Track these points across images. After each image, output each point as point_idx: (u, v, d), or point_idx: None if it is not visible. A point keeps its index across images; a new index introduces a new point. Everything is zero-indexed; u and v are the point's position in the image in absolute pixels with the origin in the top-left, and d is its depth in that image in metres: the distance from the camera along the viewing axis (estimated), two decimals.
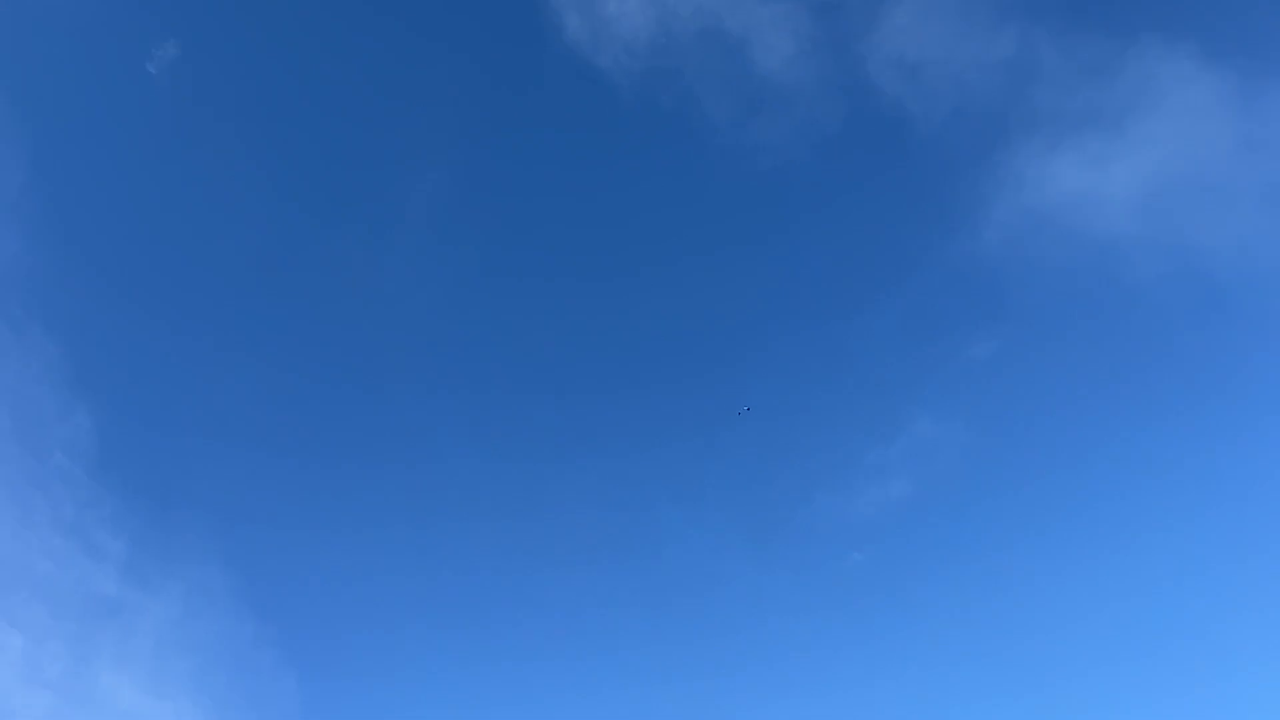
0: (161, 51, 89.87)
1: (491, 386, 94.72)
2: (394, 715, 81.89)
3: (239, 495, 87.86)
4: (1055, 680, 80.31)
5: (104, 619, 79.38)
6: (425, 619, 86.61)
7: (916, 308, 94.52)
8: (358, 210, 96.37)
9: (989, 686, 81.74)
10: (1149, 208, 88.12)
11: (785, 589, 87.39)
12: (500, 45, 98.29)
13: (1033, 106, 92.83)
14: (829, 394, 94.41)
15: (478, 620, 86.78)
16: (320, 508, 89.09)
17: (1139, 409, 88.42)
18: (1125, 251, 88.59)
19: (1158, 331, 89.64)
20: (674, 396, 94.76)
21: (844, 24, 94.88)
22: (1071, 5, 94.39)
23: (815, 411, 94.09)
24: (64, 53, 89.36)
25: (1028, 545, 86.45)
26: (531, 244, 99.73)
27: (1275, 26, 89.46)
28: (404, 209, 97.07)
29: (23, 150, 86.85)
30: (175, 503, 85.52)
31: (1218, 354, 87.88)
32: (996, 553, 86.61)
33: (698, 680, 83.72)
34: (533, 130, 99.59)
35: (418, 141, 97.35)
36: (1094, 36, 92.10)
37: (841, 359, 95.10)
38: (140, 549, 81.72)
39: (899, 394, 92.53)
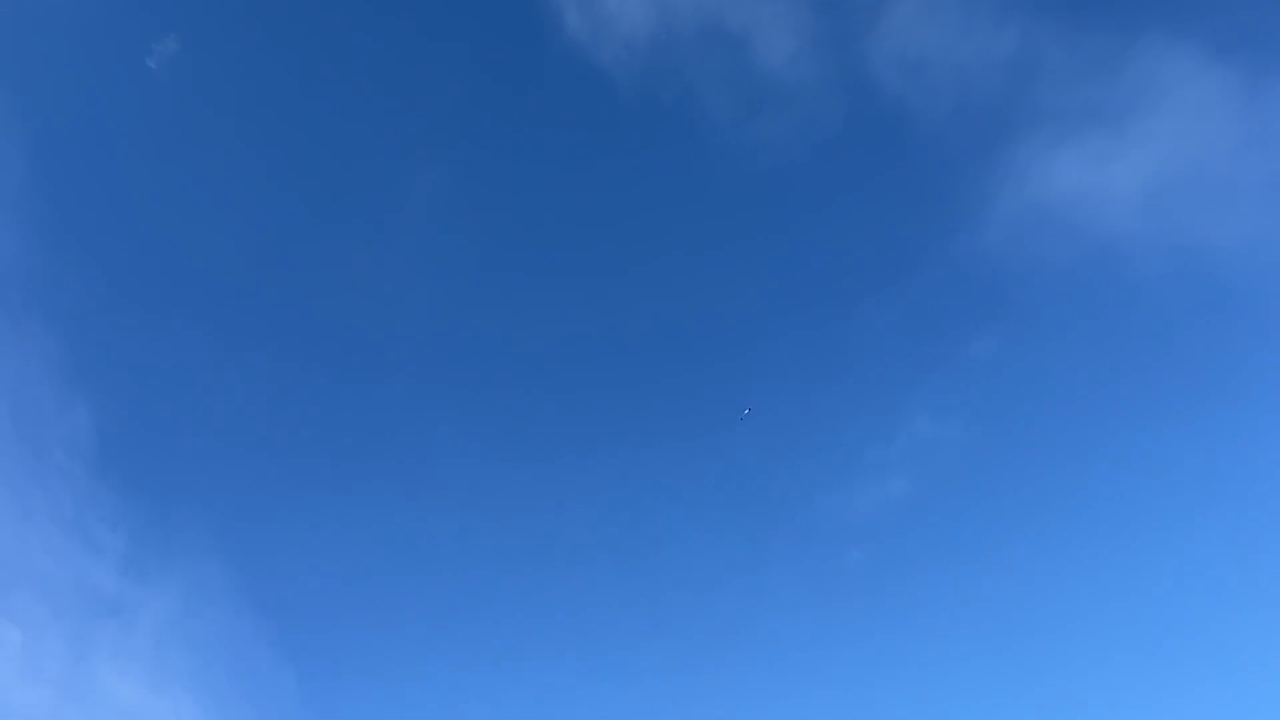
0: (161, 46, 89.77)
1: (491, 384, 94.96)
2: (392, 712, 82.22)
3: (238, 492, 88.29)
4: (1054, 679, 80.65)
5: (103, 615, 79.74)
6: (424, 616, 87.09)
7: (917, 306, 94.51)
8: (357, 206, 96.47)
9: (988, 685, 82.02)
10: (1152, 205, 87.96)
11: (784, 587, 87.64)
12: (500, 42, 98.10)
13: (1035, 103, 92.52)
14: (829, 392, 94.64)
15: (476, 618, 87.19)
16: (319, 504, 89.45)
17: (1140, 408, 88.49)
18: (1128, 249, 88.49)
19: (1160, 330, 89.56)
20: (673, 394, 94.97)
21: (845, 21, 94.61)
22: (1074, 1, 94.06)
23: (815, 410, 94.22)
24: (64, 47, 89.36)
25: (1027, 544, 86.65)
26: (531, 242, 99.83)
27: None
28: (404, 205, 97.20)
29: (23, 145, 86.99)
30: (174, 499, 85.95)
31: (1220, 353, 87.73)
32: (995, 551, 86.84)
33: (697, 678, 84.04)
34: (532, 127, 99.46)
35: (417, 138, 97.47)
36: (1097, 33, 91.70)
37: (841, 357, 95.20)
38: (139, 545, 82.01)
39: (899, 392, 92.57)
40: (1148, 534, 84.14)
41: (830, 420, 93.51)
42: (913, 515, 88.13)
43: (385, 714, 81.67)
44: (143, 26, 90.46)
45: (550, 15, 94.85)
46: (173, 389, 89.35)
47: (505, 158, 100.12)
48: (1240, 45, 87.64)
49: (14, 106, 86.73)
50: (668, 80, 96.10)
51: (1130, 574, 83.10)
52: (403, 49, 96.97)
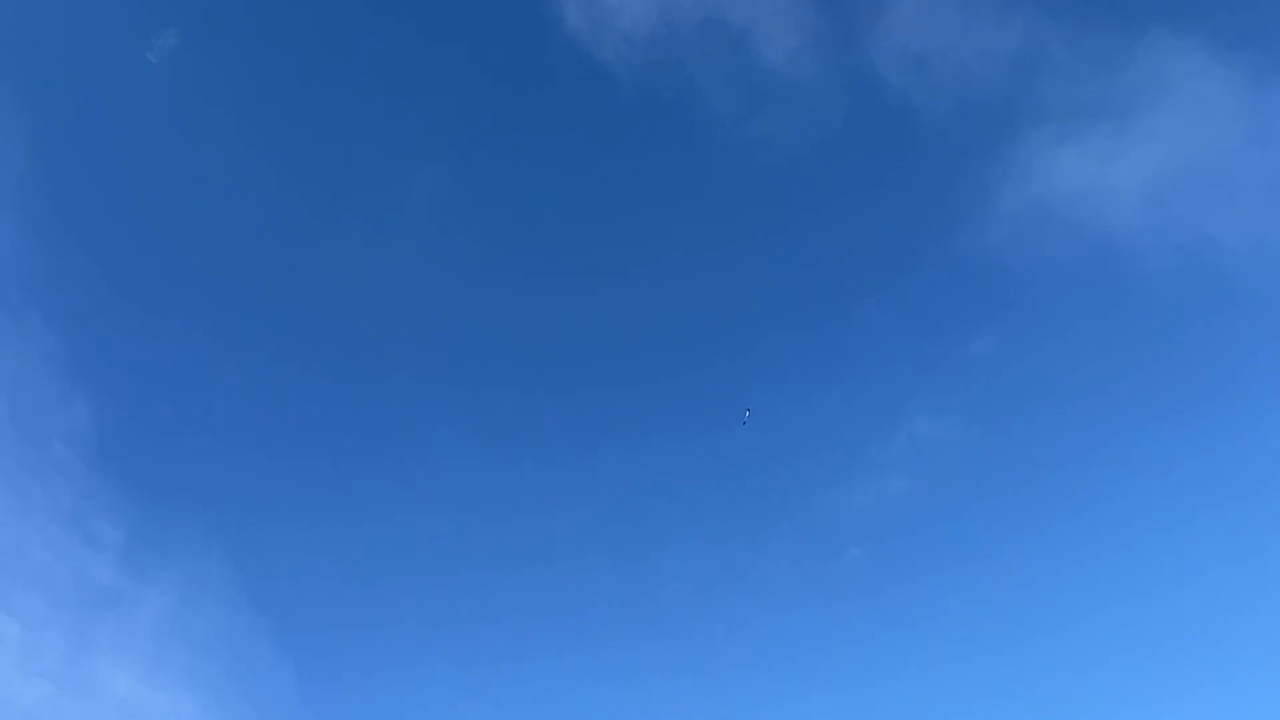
0: (161, 41, 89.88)
1: (491, 382, 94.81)
2: (389, 708, 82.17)
3: (237, 487, 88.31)
4: (1054, 676, 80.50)
5: (102, 609, 79.75)
6: (422, 614, 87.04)
7: (918, 304, 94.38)
8: (357, 202, 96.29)
9: (987, 682, 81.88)
10: (1155, 202, 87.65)
11: (784, 585, 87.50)
12: (500, 37, 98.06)
13: (1038, 100, 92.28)
14: (829, 390, 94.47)
15: (475, 616, 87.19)
16: (318, 501, 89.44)
17: (1142, 406, 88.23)
18: (1130, 247, 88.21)
19: (1163, 328, 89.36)
20: (673, 393, 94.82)
21: (847, 17, 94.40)
22: None
23: (815, 408, 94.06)
24: (64, 42, 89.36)
25: (1026, 543, 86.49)
26: (531, 240, 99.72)
27: None
28: (403, 200, 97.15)
29: (22, 139, 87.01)
30: (173, 493, 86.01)
31: (1223, 351, 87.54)
32: (995, 550, 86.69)
33: (697, 677, 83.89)
34: (532, 124, 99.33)
35: (417, 134, 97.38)
36: (1101, 28, 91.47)
37: (842, 355, 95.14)
38: (138, 540, 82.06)
39: (899, 391, 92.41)
40: (1148, 533, 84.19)
41: (830, 418, 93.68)
42: (912, 513, 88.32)
43: (382, 710, 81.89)
44: (143, 20, 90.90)
45: (550, 11, 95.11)
46: (172, 384, 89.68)
47: (505, 155, 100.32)
48: (1244, 42, 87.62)
49: (14, 100, 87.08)
50: (669, 77, 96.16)
51: (1131, 573, 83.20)
52: (402, 46, 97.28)
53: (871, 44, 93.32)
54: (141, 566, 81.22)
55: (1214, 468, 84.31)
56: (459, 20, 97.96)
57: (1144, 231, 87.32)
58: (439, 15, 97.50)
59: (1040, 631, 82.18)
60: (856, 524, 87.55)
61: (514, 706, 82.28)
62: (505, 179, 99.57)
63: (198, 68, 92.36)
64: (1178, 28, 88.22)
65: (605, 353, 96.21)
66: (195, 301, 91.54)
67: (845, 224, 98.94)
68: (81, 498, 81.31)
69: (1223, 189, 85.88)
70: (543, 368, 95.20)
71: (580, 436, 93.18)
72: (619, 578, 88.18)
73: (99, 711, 75.87)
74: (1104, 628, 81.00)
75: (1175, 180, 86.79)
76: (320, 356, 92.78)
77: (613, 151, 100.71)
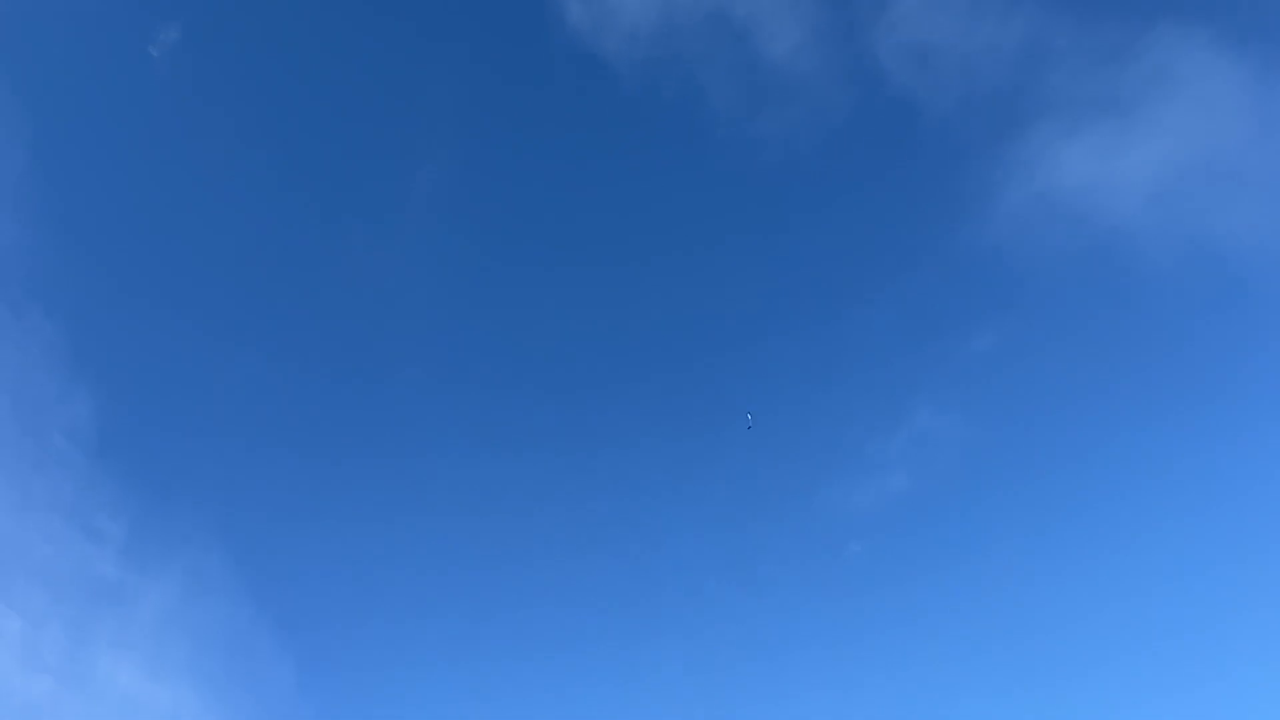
0: (164, 35, 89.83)
1: (492, 379, 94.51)
2: (390, 701, 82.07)
3: (238, 482, 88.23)
4: (1054, 674, 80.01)
5: (103, 603, 79.71)
6: (423, 609, 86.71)
7: (922, 299, 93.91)
8: (358, 197, 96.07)
9: (987, 679, 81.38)
10: (1162, 197, 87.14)
11: (784, 580, 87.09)
12: (502, 33, 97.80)
13: (1044, 94, 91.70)
14: (831, 386, 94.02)
15: (475, 613, 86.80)
16: (319, 496, 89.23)
17: (1145, 403, 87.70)
18: (1137, 241, 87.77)
19: (1168, 323, 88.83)
20: (675, 388, 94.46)
21: (851, 11, 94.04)
22: None
23: (817, 403, 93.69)
24: (65, 36, 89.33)
25: (1027, 539, 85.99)
26: (533, 236, 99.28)
27: None
28: (405, 195, 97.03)
29: (24, 133, 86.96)
30: (174, 488, 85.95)
31: (1229, 347, 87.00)
32: (996, 546, 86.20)
33: (697, 673, 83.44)
34: (534, 120, 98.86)
35: (419, 129, 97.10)
36: (1107, 22, 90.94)
37: (844, 351, 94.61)
38: (139, 533, 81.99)
39: (900, 386, 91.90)
40: (1151, 531, 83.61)
41: (831, 415, 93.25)
42: (913, 510, 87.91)
43: (382, 705, 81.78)
44: (145, 15, 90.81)
45: (552, 7, 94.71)
46: (173, 379, 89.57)
47: (507, 151, 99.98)
48: (1250, 36, 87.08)
49: (16, 94, 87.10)
50: (671, 73, 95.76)
51: (1132, 571, 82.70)
52: (405, 42, 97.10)
53: (875, 38, 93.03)
54: (142, 561, 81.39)
55: (1218, 466, 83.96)
56: (461, 16, 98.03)
57: (1149, 227, 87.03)
58: (441, 11, 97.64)
59: (1041, 628, 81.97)
60: (857, 520, 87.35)
61: (514, 704, 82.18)
62: (507, 175, 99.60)
63: (200, 63, 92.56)
64: (1184, 22, 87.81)
65: (607, 350, 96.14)
66: (196, 295, 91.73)
67: (848, 220, 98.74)
68: (82, 492, 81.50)
69: (1229, 184, 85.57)
70: (545, 365, 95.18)
71: (580, 432, 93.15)
72: (619, 574, 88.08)
73: (100, 706, 75.96)
74: (1105, 624, 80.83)
75: (1181, 175, 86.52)
76: (321, 350, 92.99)
77: (615, 148, 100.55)
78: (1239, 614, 77.43)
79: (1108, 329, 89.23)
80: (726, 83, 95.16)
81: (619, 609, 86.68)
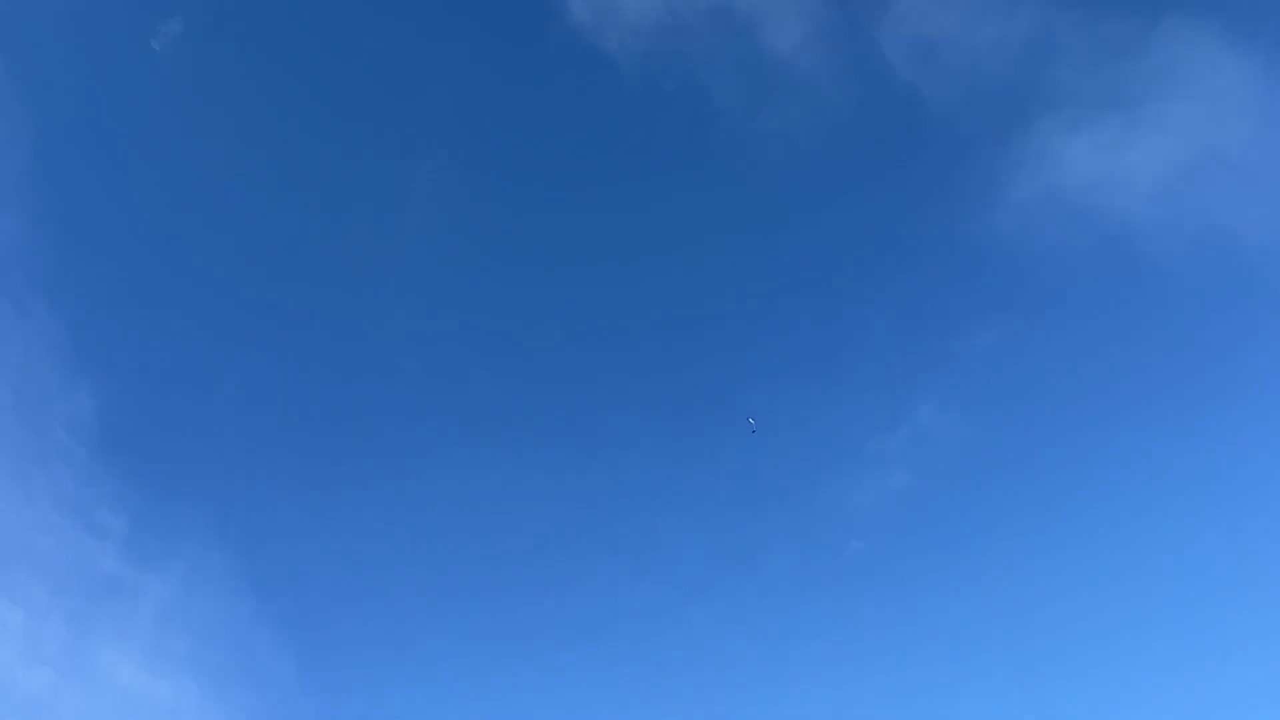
0: (166, 28, 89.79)
1: (493, 378, 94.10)
2: (390, 697, 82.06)
3: (240, 477, 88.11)
4: (1054, 673, 79.63)
5: (104, 597, 79.82)
6: (423, 606, 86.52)
7: (926, 295, 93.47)
8: (359, 194, 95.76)
9: (987, 678, 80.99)
10: (1169, 191, 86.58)
11: (785, 578, 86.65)
12: (502, 28, 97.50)
13: (1050, 89, 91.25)
14: (832, 383, 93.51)
15: (476, 609, 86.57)
16: (320, 492, 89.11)
17: (1151, 400, 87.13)
18: (1143, 236, 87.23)
19: (1175, 319, 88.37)
20: (676, 386, 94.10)
21: (855, 5, 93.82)
22: None
23: (818, 400, 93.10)
24: (68, 29, 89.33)
25: (1029, 537, 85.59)
26: (534, 234, 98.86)
27: None
28: (406, 191, 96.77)
29: (26, 128, 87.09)
30: (176, 483, 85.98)
31: (1237, 343, 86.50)
32: (997, 544, 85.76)
33: (696, 672, 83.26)
34: (535, 116, 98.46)
35: (420, 125, 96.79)
36: (1114, 16, 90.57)
37: (847, 347, 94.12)
38: (141, 527, 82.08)
39: (902, 383, 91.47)
40: (1155, 530, 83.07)
41: (833, 412, 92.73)
42: (915, 508, 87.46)
43: (383, 700, 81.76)
44: (148, 9, 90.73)
45: (554, 3, 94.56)
46: (175, 374, 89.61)
47: (508, 147, 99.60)
48: (1258, 30, 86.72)
49: (18, 88, 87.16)
50: (674, 68, 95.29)
51: (1134, 570, 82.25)
52: (406, 38, 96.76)
53: (880, 33, 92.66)
54: (144, 555, 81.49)
55: (1223, 465, 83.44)
56: (463, 12, 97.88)
57: (1156, 221, 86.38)
58: (442, 7, 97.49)
59: (1043, 627, 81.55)
60: (858, 518, 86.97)
61: (514, 702, 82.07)
62: (507, 173, 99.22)
63: (202, 57, 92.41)
64: (1190, 16, 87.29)
65: (608, 348, 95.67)
66: (198, 291, 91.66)
67: (851, 217, 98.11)
68: (84, 486, 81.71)
69: (1237, 178, 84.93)
70: (546, 364, 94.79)
71: (582, 431, 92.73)
72: (619, 573, 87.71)
73: (101, 700, 76.21)
74: (1106, 622, 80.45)
75: (1188, 170, 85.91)
76: (323, 347, 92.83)
77: (616, 146, 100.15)
78: (1240, 614, 77.26)
79: (1112, 326, 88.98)
80: (729, 79, 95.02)
81: (619, 609, 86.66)
